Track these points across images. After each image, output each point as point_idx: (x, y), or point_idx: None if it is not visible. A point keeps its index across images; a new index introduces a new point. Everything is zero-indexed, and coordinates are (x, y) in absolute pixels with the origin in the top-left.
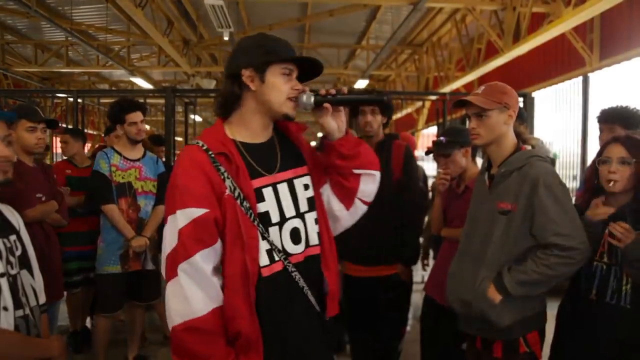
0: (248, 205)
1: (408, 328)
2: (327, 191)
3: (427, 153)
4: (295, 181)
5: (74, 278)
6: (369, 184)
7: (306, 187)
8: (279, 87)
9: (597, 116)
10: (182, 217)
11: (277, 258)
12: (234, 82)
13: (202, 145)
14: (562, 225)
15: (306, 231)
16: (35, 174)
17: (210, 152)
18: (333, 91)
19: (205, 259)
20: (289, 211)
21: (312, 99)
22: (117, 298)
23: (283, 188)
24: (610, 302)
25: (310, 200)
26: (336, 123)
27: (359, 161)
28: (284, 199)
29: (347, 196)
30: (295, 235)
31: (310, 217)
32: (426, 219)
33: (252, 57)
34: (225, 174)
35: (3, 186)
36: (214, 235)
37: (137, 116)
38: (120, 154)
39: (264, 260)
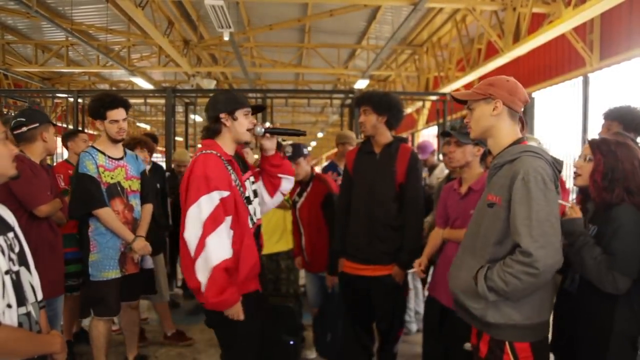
0: (242, 190)
1: (414, 327)
2: (260, 185)
3: (443, 134)
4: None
5: (72, 281)
6: (287, 184)
7: (252, 183)
8: (243, 123)
9: (603, 113)
10: (217, 195)
11: (251, 224)
12: (216, 121)
13: (217, 154)
14: (523, 224)
15: (255, 209)
16: (41, 172)
17: (222, 158)
18: (270, 125)
19: (227, 223)
20: (252, 196)
21: (262, 130)
22: (117, 301)
23: (248, 183)
24: (567, 289)
25: (254, 191)
26: (271, 144)
27: (281, 169)
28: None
29: (273, 189)
30: (255, 211)
31: (256, 201)
32: (430, 217)
33: (226, 105)
34: (232, 171)
35: (13, 179)
36: (232, 210)
37: (119, 114)
38: (104, 154)
39: (250, 224)
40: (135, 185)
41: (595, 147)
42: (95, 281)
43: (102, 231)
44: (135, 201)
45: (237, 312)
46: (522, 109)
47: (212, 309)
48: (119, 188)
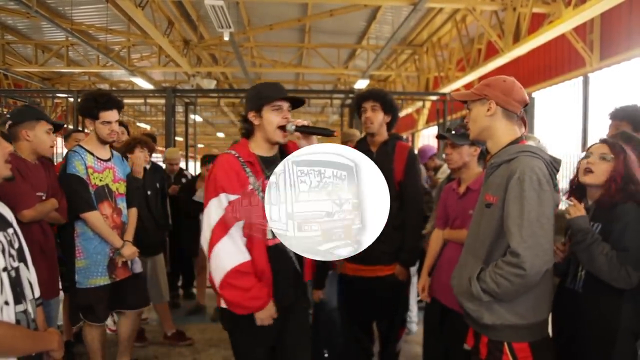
0: (262, 195)
1: (414, 327)
2: None
3: (438, 137)
4: None
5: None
6: None
7: None
8: (271, 120)
9: (610, 112)
10: (225, 199)
11: (272, 235)
12: (246, 121)
13: (235, 154)
14: (515, 224)
15: None
16: (37, 171)
17: (240, 159)
18: (304, 122)
19: (239, 228)
20: None
21: (293, 127)
22: (104, 309)
23: None
24: (569, 287)
25: None
26: (307, 143)
27: None
28: None
29: None
30: None
31: None
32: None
33: (252, 103)
34: (250, 174)
35: (8, 181)
36: (242, 215)
37: (112, 115)
38: (92, 154)
39: (269, 234)
40: (122, 188)
41: (620, 150)
42: (82, 288)
43: (90, 236)
44: (122, 204)
45: (266, 316)
46: (522, 109)
47: (233, 310)
48: (107, 191)
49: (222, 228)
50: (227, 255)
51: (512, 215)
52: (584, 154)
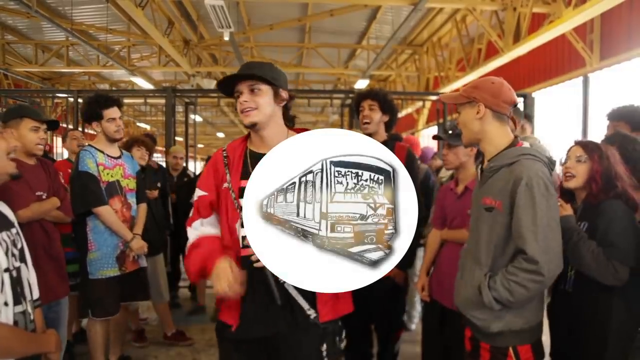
0: (234, 196)
1: (414, 326)
2: None
3: (435, 137)
4: None
5: (70, 281)
6: None
7: None
8: (238, 106)
9: (607, 113)
10: (196, 194)
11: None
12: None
13: (223, 148)
14: (529, 230)
15: None
16: (35, 171)
17: (224, 154)
18: None
19: (199, 225)
20: None
21: None
22: (115, 300)
23: None
24: (560, 288)
25: None
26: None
27: None
28: None
29: None
30: None
31: None
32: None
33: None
34: (228, 171)
35: (14, 179)
36: (208, 211)
37: (114, 112)
38: (103, 152)
39: (241, 242)
40: (132, 184)
41: (593, 149)
42: (93, 279)
43: (101, 230)
44: (132, 200)
45: (218, 274)
46: (511, 109)
47: (191, 281)
48: (117, 186)
49: (189, 223)
50: (189, 241)
51: (525, 222)
52: (563, 158)
